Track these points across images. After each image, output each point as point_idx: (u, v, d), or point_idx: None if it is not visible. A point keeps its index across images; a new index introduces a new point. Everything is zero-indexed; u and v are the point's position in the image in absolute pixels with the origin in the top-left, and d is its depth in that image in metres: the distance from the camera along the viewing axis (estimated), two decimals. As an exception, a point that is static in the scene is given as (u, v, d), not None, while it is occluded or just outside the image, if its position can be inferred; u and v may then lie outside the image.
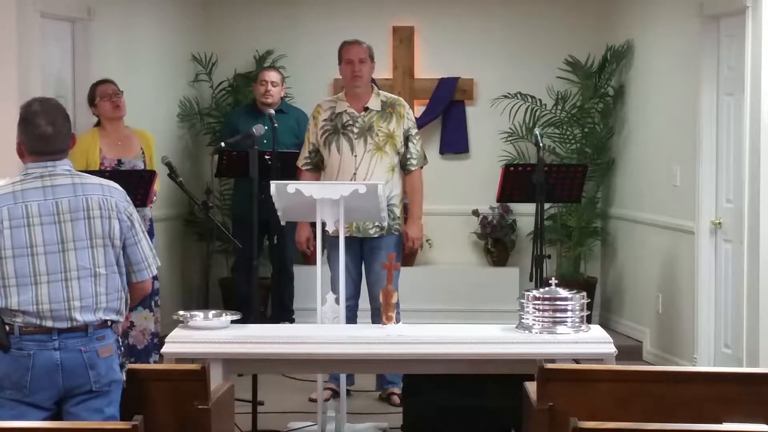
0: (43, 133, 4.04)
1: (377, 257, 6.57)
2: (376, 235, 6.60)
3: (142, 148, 7.05)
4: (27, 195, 4.02)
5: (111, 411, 4.10)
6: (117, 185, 4.19)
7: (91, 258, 4.04)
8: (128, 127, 7.13)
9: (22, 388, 3.98)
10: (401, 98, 6.87)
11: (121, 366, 4.16)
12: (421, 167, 6.73)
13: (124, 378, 4.17)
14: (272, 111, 6.94)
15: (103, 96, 6.97)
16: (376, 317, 6.61)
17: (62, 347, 3.99)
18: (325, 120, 6.63)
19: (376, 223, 6.50)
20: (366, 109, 6.62)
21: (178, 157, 8.37)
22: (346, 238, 6.00)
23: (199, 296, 8.53)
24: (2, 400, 4.00)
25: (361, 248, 6.63)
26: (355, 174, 6.53)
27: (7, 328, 3.97)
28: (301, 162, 6.76)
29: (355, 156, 6.56)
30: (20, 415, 3.96)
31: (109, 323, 4.10)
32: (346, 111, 6.62)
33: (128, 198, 4.19)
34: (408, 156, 6.65)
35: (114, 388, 4.11)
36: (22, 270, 3.98)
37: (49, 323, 3.99)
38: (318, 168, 6.71)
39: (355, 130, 6.58)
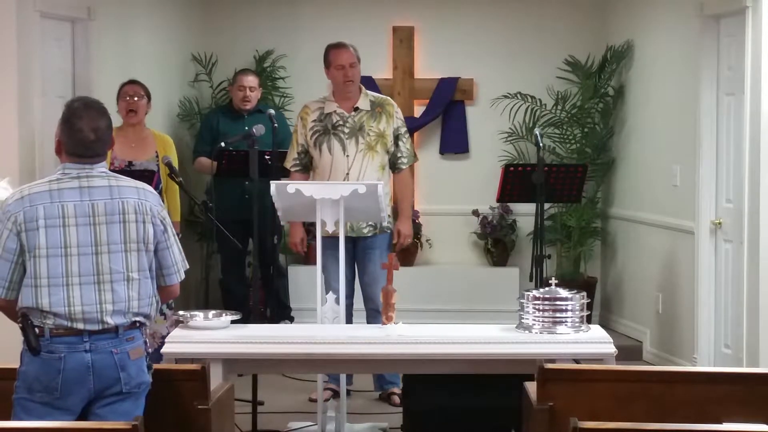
0: (85, 139, 4.01)
1: (371, 257, 6.59)
2: (369, 234, 6.60)
3: (156, 152, 7.04)
4: (64, 195, 3.98)
5: (137, 414, 4.00)
6: (151, 189, 4.17)
7: (124, 262, 4.01)
8: (148, 129, 7.15)
9: (52, 391, 3.92)
10: (389, 98, 6.86)
11: (148, 368, 4.12)
12: (411, 165, 6.75)
13: (151, 380, 4.12)
14: (272, 111, 6.93)
15: (122, 96, 7.01)
16: (371, 318, 6.62)
17: (93, 349, 3.94)
18: (314, 121, 6.61)
19: (370, 223, 6.50)
20: (356, 109, 6.62)
21: (178, 157, 8.35)
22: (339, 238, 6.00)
23: (198, 296, 8.53)
24: (32, 403, 3.93)
25: (354, 248, 6.63)
26: (347, 174, 6.52)
27: (37, 330, 3.92)
28: (289, 163, 6.71)
29: (347, 156, 6.55)
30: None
31: (138, 324, 4.06)
32: (335, 111, 6.60)
33: (161, 202, 4.18)
34: (399, 155, 6.65)
35: (143, 389, 4.07)
36: (54, 270, 3.93)
37: (80, 325, 3.93)
38: (307, 169, 6.69)
39: (346, 130, 6.57)
